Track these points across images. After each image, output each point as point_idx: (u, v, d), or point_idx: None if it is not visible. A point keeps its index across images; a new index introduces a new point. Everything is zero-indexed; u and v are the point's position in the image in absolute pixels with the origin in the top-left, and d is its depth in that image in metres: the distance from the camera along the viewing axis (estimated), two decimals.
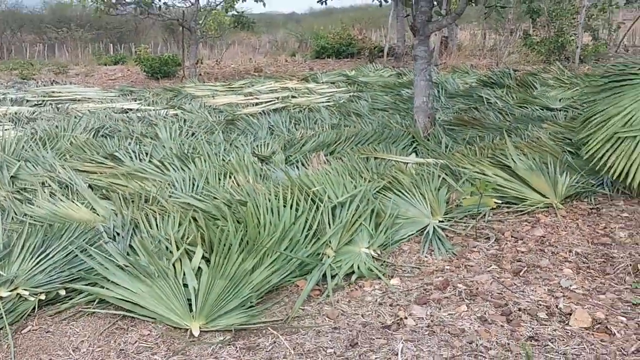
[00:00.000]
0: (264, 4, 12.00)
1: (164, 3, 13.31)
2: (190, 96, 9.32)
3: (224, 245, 3.05)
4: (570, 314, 2.69)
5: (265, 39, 28.10)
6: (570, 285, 3.00)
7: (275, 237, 3.20)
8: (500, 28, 16.90)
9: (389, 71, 12.10)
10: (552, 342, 2.49)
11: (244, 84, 10.57)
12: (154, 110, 8.02)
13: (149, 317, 2.75)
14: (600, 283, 3.04)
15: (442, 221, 3.86)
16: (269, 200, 3.55)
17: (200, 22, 12.41)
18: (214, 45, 24.09)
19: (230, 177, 4.34)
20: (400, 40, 18.20)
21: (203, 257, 3.08)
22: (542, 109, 6.83)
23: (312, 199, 3.64)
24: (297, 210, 3.51)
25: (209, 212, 3.60)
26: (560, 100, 7.17)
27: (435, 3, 5.52)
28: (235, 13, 11.02)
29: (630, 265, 3.19)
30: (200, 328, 2.62)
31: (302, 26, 28.99)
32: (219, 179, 4.33)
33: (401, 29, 18.23)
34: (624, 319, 2.67)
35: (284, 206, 3.50)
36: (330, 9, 31.18)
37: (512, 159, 4.60)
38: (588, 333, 2.55)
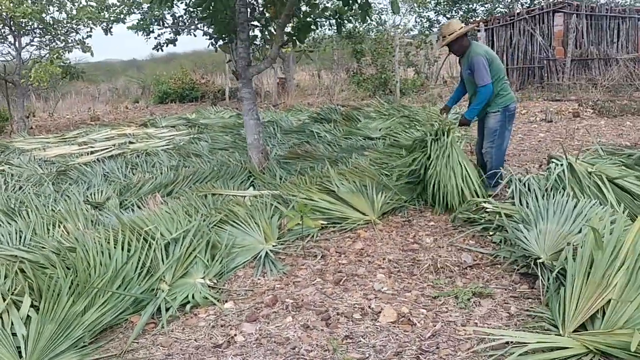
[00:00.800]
0: (92, 54, 11.76)
1: None
2: (18, 151, 8.78)
3: (53, 291, 3.03)
4: (380, 312, 3.09)
5: (105, 87, 27.10)
6: (382, 288, 3.42)
7: (107, 278, 3.24)
8: (333, 68, 18.20)
9: (230, 112, 12.43)
10: (364, 338, 2.84)
11: (78, 134, 10.19)
12: None
13: None
14: (408, 283, 3.51)
15: (275, 245, 4.15)
16: (100, 244, 3.57)
17: (26, 74, 11.80)
18: (49, 97, 22.70)
19: (60, 226, 4.26)
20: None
21: (32, 305, 3.02)
22: (365, 139, 7.55)
23: (144, 238, 3.73)
24: (129, 250, 3.58)
25: (37, 261, 3.52)
26: (380, 129, 7.97)
27: (252, 50, 5.94)
28: (62, 64, 10.63)
29: (432, 265, 3.72)
30: None
31: (143, 73, 28.42)
32: (48, 229, 4.22)
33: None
34: (424, 310, 3.12)
35: (115, 247, 3.55)
36: (172, 54, 30.93)
37: (336, 184, 5.06)
38: (394, 326, 2.95)
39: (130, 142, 8.71)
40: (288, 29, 6.64)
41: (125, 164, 6.87)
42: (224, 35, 6.40)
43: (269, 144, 7.91)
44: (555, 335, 2.67)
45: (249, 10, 5.96)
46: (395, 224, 4.64)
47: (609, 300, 2.67)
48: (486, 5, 20.65)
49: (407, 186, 5.21)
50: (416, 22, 22.15)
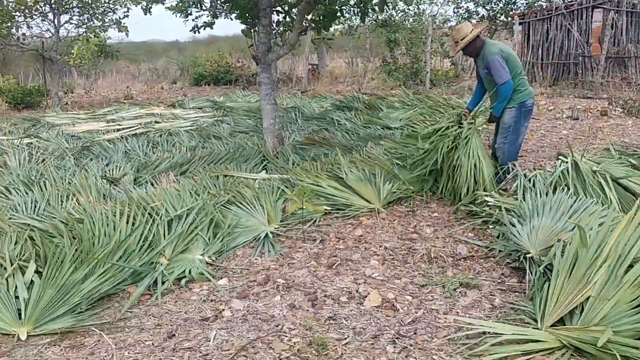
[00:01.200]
0: (127, 34, 12.07)
1: (23, 34, 12.92)
2: (48, 125, 9.12)
3: (57, 258, 3.21)
4: (367, 297, 3.17)
5: (146, 67, 27.65)
6: (373, 274, 3.50)
7: (109, 249, 3.41)
8: (364, 56, 18.16)
9: (257, 97, 12.56)
10: (346, 320, 2.93)
11: (108, 112, 10.49)
12: (6, 139, 7.79)
13: None
14: (400, 270, 3.57)
15: (278, 228, 4.26)
16: (106, 216, 3.74)
17: (67, 51, 12.18)
18: (90, 75, 23.32)
19: (73, 198, 4.46)
20: (273, 68, 18.86)
21: (37, 271, 3.21)
22: (383, 128, 7.57)
23: (149, 213, 3.88)
24: (133, 224, 3.74)
25: (46, 230, 3.72)
26: (400, 120, 7.98)
27: (275, 35, 6.04)
28: (98, 43, 10.96)
29: (426, 255, 3.77)
30: (27, 333, 2.78)
31: (183, 54, 28.84)
32: (62, 201, 4.43)
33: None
34: (410, 297, 3.19)
35: (120, 221, 3.71)
36: (214, 36, 31.27)
37: (345, 172, 5.13)
38: (377, 310, 3.03)
39: (156, 122, 8.94)
40: (312, 16, 6.71)
41: (147, 143, 7.08)
42: (248, 20, 6.49)
43: (289, 130, 8.02)
44: (533, 328, 2.70)
45: None
46: (399, 213, 4.69)
47: (588, 297, 2.68)
48: None
49: (418, 177, 5.24)
50: (454, 12, 21.76)
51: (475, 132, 4.74)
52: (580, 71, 14.12)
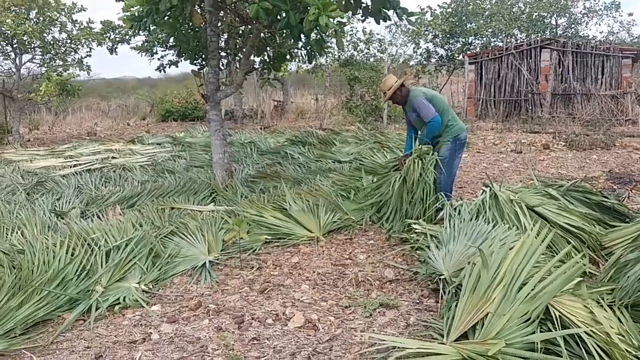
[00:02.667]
0: (88, 73, 12.31)
1: None
2: (6, 161, 9.16)
3: None
4: (291, 318, 3.35)
5: (116, 103, 27.75)
6: (302, 297, 3.69)
7: (47, 277, 3.54)
8: (325, 94, 18.67)
9: None
10: (268, 340, 3.11)
11: (67, 148, 10.58)
12: None
13: None
14: (328, 294, 3.77)
15: (218, 257, 4.43)
16: (47, 247, 3.87)
17: (33, 89, 12.31)
18: (58, 112, 23.31)
19: (18, 231, 4.57)
20: (237, 104, 19.19)
21: None
22: (334, 162, 7.86)
23: (88, 244, 4.02)
24: (72, 254, 3.87)
25: None
26: (351, 154, 8.29)
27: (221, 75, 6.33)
28: (59, 81, 11.14)
29: (354, 279, 3.98)
30: None
31: (153, 92, 29.06)
32: (6, 234, 4.53)
33: (237, 94, 19.26)
34: (332, 318, 3.38)
35: (60, 251, 3.84)
36: (186, 73, 31.66)
37: (289, 203, 5.36)
38: (299, 330, 3.21)
39: (113, 157, 9.06)
40: (262, 58, 7.07)
41: (100, 177, 7.21)
42: (197, 61, 6.79)
43: (244, 163, 8.24)
44: (438, 343, 2.91)
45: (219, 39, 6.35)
46: (337, 241, 4.91)
47: (487, 313, 2.93)
48: (482, 39, 21.15)
49: (359, 207, 5.52)
50: (414, 52, 22.62)
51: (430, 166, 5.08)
52: (530, 107, 14.81)
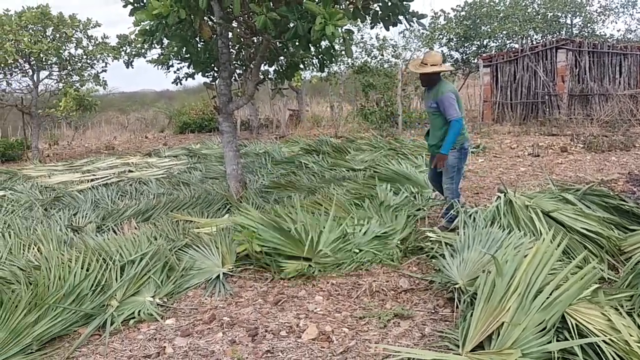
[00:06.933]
0: (104, 87, 12.48)
1: (2, 90, 13.34)
2: (25, 177, 9.31)
3: (12, 303, 3.37)
4: (305, 330, 3.33)
5: (135, 117, 28.13)
6: (316, 309, 3.67)
7: (62, 293, 3.57)
8: (339, 101, 18.69)
9: None
10: (282, 352, 3.09)
11: (85, 162, 10.72)
12: None
13: None
14: (342, 305, 3.75)
15: (232, 269, 4.43)
16: (63, 263, 3.91)
17: (53, 105, 12.56)
18: (78, 126, 23.70)
19: (34, 247, 4.62)
20: (253, 114, 19.28)
21: None
22: (348, 170, 7.84)
23: (104, 259, 4.05)
24: (88, 269, 3.90)
25: (5, 277, 3.88)
26: (365, 162, 8.26)
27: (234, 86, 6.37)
28: (76, 96, 11.33)
29: (368, 289, 3.95)
30: None
31: (172, 104, 29.36)
32: (23, 250, 4.59)
33: (253, 104, 19.34)
34: (347, 329, 3.36)
35: (75, 266, 3.88)
36: (202, 85, 31.95)
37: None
38: (313, 342, 3.19)
39: (130, 171, 9.15)
40: (275, 67, 7.11)
41: (116, 191, 7.28)
42: (208, 74, 6.85)
43: (258, 174, 8.26)
44: (454, 354, 2.88)
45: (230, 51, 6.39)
46: None
47: (503, 323, 2.88)
48: (497, 42, 21.02)
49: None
50: None
51: None
52: (547, 109, 14.63)
